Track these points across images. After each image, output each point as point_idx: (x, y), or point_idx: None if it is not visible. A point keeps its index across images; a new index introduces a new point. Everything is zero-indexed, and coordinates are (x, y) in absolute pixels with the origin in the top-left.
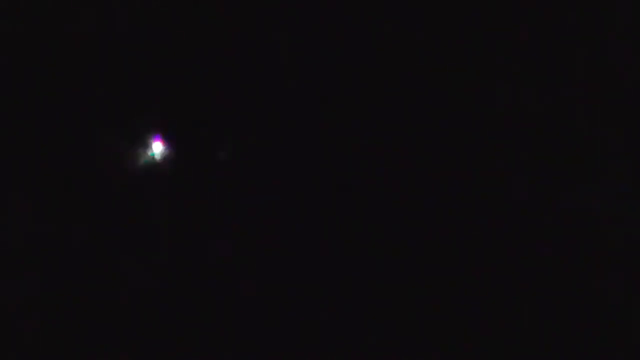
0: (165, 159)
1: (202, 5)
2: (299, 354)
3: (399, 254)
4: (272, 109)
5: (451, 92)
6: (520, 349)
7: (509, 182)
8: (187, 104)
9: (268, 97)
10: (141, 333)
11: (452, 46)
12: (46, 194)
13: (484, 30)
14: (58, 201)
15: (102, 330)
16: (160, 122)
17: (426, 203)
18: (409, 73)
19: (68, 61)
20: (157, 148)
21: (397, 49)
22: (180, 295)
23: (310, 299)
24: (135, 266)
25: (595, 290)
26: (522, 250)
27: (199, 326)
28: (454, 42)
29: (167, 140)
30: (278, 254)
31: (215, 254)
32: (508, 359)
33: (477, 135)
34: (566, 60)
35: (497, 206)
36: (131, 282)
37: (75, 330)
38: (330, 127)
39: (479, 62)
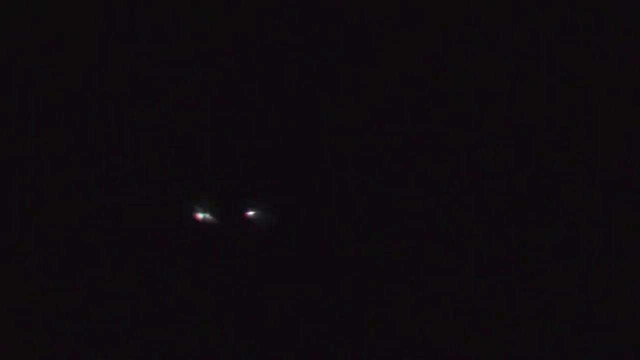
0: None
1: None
2: (299, 354)
3: (399, 254)
4: (272, 109)
5: (450, 92)
6: (520, 348)
7: (508, 181)
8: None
9: (269, 97)
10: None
11: (451, 45)
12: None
13: (484, 29)
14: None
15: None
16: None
17: (426, 203)
18: (408, 73)
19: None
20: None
21: (396, 46)
22: (181, 296)
23: (310, 299)
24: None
25: (595, 291)
26: (521, 251)
27: (199, 326)
28: (453, 41)
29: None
30: (278, 254)
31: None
32: (508, 358)
33: (477, 135)
34: (566, 61)
35: (496, 206)
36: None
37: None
38: (330, 127)
39: (478, 61)
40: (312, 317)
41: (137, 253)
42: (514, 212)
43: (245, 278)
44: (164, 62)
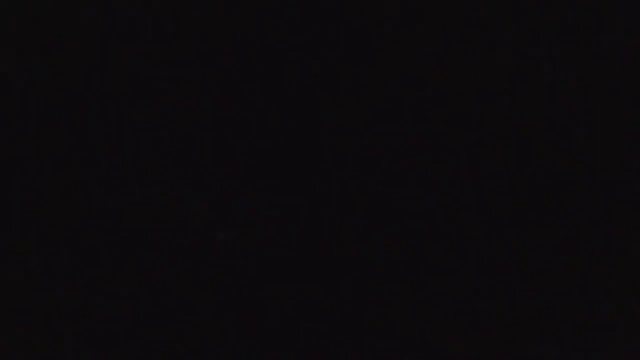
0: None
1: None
2: (299, 354)
3: (399, 254)
4: (272, 109)
5: (451, 92)
6: (520, 348)
7: (508, 181)
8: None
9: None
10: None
11: (451, 45)
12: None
13: (483, 29)
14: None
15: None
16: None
17: (426, 203)
18: (408, 73)
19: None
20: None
21: (396, 46)
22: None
23: (310, 299)
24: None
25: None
26: (521, 249)
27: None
28: (453, 41)
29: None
30: (278, 254)
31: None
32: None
33: (477, 135)
34: (566, 61)
35: (496, 206)
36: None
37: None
38: (330, 127)
39: (477, 60)
40: (312, 317)
41: (137, 253)
42: (514, 212)
43: (245, 278)
44: (164, 62)
